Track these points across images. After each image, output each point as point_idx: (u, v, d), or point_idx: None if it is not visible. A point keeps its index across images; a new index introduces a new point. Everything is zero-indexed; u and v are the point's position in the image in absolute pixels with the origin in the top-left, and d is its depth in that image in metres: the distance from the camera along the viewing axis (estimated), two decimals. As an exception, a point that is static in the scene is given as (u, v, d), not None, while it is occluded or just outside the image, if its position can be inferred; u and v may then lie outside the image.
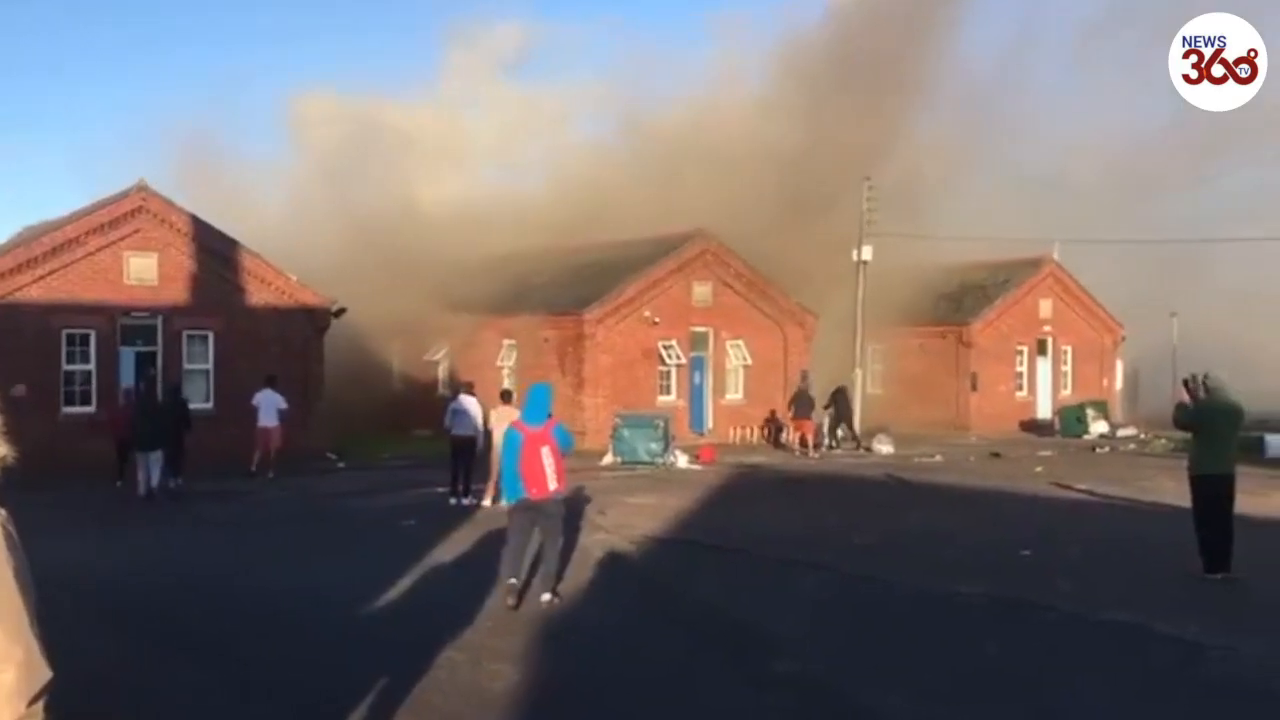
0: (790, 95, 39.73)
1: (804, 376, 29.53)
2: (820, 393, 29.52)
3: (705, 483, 20.63)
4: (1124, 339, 40.39)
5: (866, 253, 31.63)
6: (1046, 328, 38.81)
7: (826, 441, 29.45)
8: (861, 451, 28.43)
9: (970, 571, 11.41)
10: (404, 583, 10.93)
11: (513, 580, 9.69)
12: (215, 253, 24.84)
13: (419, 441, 27.35)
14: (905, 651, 8.53)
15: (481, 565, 11.77)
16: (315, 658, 8.31)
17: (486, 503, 16.79)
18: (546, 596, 9.77)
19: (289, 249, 28.09)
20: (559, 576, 10.14)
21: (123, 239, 23.82)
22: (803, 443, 28.32)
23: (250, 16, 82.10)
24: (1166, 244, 37.61)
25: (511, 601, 9.55)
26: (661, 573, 11.85)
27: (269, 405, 21.48)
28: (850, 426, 30.22)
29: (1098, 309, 39.88)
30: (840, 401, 29.83)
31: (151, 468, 18.09)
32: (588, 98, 60.40)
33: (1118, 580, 11.14)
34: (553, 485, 9.69)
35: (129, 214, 23.94)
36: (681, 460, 24.21)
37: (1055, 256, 38.69)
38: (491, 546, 12.96)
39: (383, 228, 34.94)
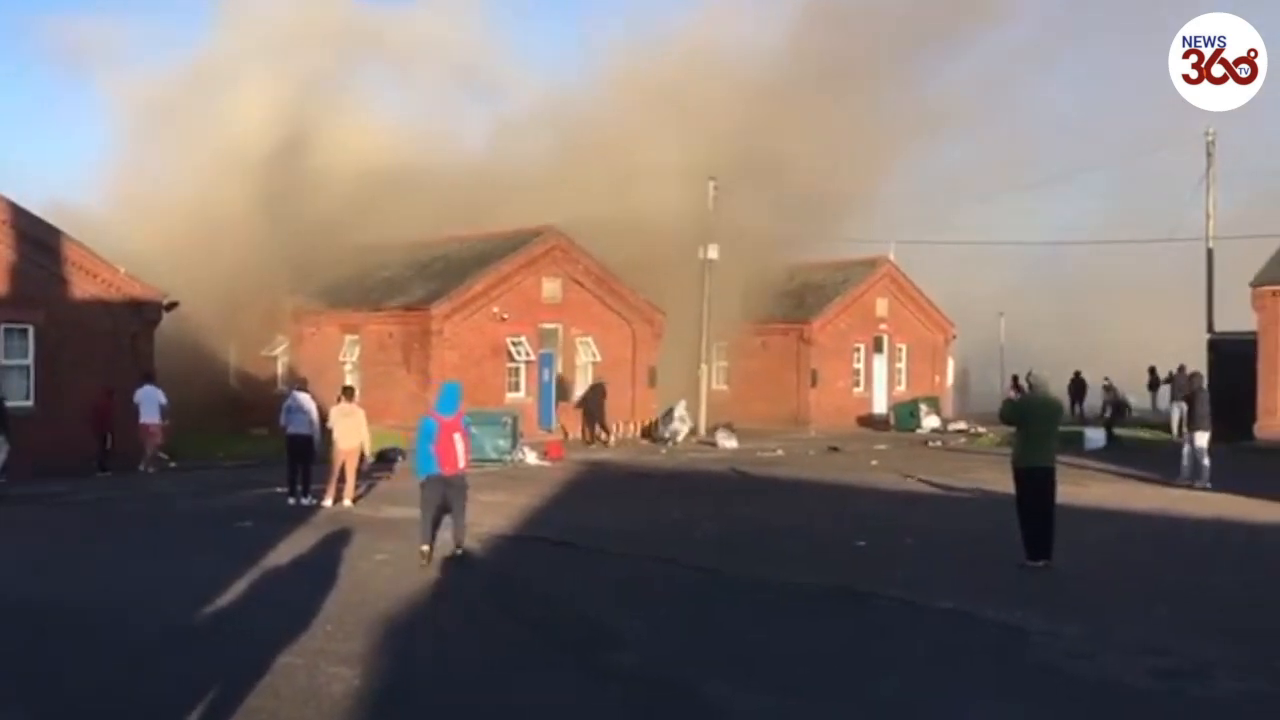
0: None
1: (651, 373, 29.86)
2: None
3: (553, 479, 20.62)
4: (955, 337, 42.13)
5: (712, 251, 32.07)
6: (883, 326, 40.12)
7: (606, 437, 29.76)
8: (603, 443, 29.13)
9: (809, 563, 11.73)
10: (239, 586, 10.55)
11: (425, 547, 11.72)
12: (36, 241, 23.44)
13: (256, 440, 26.45)
14: (747, 642, 8.69)
15: (321, 567, 11.49)
16: (142, 668, 7.93)
17: (327, 502, 16.38)
18: (456, 550, 11.91)
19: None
20: (464, 533, 12.14)
21: (-70, 225, 22.33)
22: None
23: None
24: (996, 246, 39.38)
25: (422, 562, 11.59)
26: (508, 571, 11.81)
27: (150, 401, 21.68)
28: (597, 424, 30.00)
29: (931, 308, 41.45)
30: (592, 399, 30.00)
31: None
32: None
33: (948, 569, 11.61)
34: (461, 463, 11.95)
35: (-63, 199, 22.45)
36: (530, 457, 24.11)
37: (891, 257, 40.04)
38: (332, 548, 12.70)
39: (263, 164, 33.33)
